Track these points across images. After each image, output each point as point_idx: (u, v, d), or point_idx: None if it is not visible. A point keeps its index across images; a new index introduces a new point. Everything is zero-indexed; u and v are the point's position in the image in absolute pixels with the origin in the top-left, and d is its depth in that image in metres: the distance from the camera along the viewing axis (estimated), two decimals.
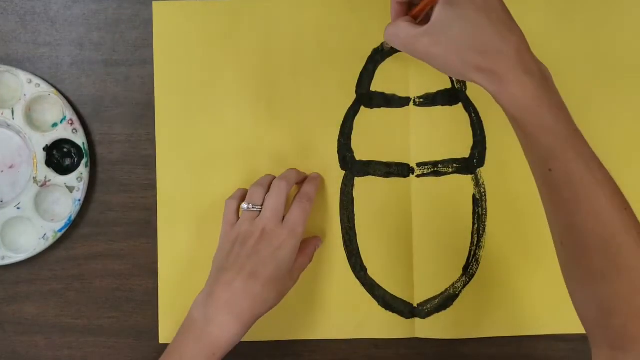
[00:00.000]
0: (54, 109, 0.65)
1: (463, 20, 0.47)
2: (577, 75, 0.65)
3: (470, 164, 0.65)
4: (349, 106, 0.65)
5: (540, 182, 0.50)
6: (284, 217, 0.59)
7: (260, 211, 0.59)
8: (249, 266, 0.56)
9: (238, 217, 0.60)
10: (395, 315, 0.65)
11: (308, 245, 0.63)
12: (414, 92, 0.65)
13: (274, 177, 0.62)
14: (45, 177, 0.64)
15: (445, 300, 0.65)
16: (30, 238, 0.64)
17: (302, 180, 0.63)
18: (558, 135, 0.47)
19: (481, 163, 0.65)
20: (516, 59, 0.47)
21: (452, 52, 0.48)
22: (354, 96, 0.65)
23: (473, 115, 0.65)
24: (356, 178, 0.65)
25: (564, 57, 0.65)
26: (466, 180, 0.65)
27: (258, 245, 0.57)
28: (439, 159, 0.65)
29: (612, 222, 0.47)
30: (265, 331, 0.65)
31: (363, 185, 0.65)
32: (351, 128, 0.65)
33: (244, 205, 0.60)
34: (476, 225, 0.65)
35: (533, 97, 0.47)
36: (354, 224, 0.65)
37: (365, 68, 0.65)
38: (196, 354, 0.54)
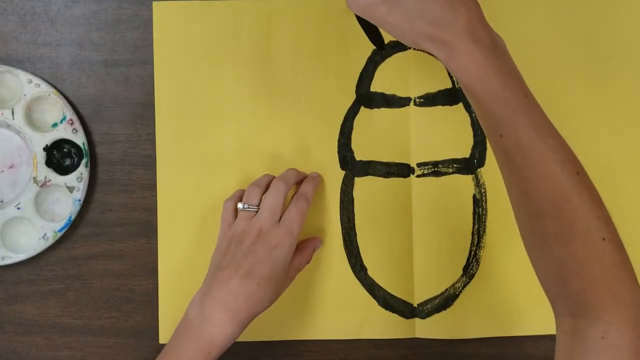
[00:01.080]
0: (54, 109, 0.65)
1: None
2: (577, 74, 0.65)
3: (471, 164, 0.65)
4: (349, 106, 0.65)
5: (494, 149, 0.50)
6: (281, 217, 0.59)
7: (256, 211, 0.59)
8: (245, 265, 0.56)
9: (236, 217, 0.61)
10: (395, 315, 0.65)
11: (306, 245, 0.63)
12: (414, 92, 0.65)
13: (272, 177, 0.62)
14: (45, 177, 0.64)
15: (445, 300, 0.65)
16: (30, 238, 0.64)
17: (301, 180, 0.63)
18: (507, 102, 0.47)
19: (481, 163, 0.65)
20: (466, 28, 0.48)
21: (406, 21, 0.49)
22: (354, 96, 0.65)
23: (473, 115, 0.65)
24: (356, 178, 0.65)
25: (564, 56, 0.65)
26: (466, 180, 0.65)
27: (254, 245, 0.57)
28: (439, 159, 0.65)
29: (564, 186, 0.47)
30: (264, 331, 0.65)
31: (363, 185, 0.65)
32: (351, 128, 0.65)
33: (240, 205, 0.60)
34: (476, 226, 0.65)
35: (481, 64, 0.47)
36: (354, 224, 0.65)
37: (365, 68, 0.65)
38: (192, 353, 0.54)
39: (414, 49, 0.65)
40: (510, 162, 0.49)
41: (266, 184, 0.61)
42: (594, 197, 0.48)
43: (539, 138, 0.47)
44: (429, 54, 0.50)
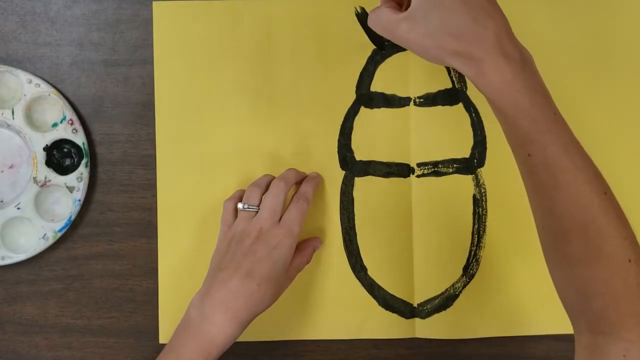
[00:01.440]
0: (54, 109, 0.65)
1: (441, 7, 0.47)
2: (576, 74, 0.65)
3: (471, 164, 0.65)
4: (349, 106, 0.65)
5: (521, 167, 0.50)
6: (281, 217, 0.59)
7: (256, 211, 0.59)
8: (245, 265, 0.56)
9: (236, 218, 0.61)
10: (395, 315, 0.65)
11: (306, 245, 0.63)
12: (414, 92, 0.65)
13: (272, 177, 0.62)
14: (45, 177, 0.64)
15: (445, 300, 0.65)
16: (31, 238, 0.64)
17: (301, 180, 0.63)
18: (535, 119, 0.47)
19: (481, 163, 0.65)
20: (493, 42, 0.47)
21: (429, 38, 0.48)
22: (354, 96, 0.65)
23: (473, 115, 0.65)
24: (356, 178, 0.65)
25: (563, 56, 0.65)
26: (466, 180, 0.65)
27: (254, 245, 0.57)
28: (439, 159, 0.65)
29: (591, 206, 0.47)
30: (265, 331, 0.65)
31: (363, 185, 0.65)
32: (351, 128, 0.65)
33: (240, 205, 0.60)
34: (476, 226, 0.65)
35: (510, 80, 0.47)
36: (354, 224, 0.65)
37: (365, 68, 0.65)
38: (192, 353, 0.54)
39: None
40: (537, 179, 0.48)
41: (266, 184, 0.61)
42: (621, 218, 0.48)
43: (567, 156, 0.47)
44: (454, 70, 0.49)
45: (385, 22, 0.50)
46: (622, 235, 0.47)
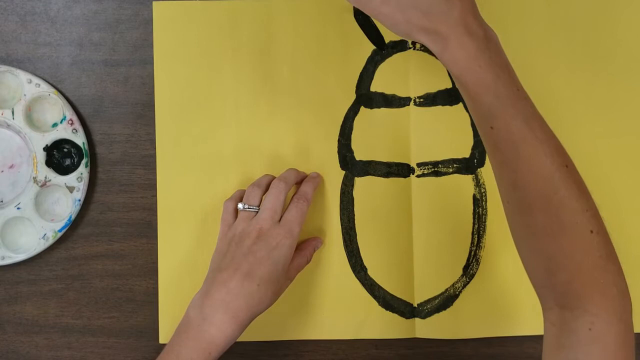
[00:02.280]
0: (54, 109, 0.65)
1: None
2: (577, 74, 0.65)
3: (471, 164, 0.65)
4: (349, 106, 0.65)
5: (485, 141, 0.51)
6: (281, 218, 0.59)
7: (256, 211, 0.59)
8: (245, 266, 0.56)
9: (236, 218, 0.61)
10: (395, 315, 0.65)
11: (306, 245, 0.63)
12: (414, 92, 0.65)
13: (273, 178, 0.62)
14: (46, 177, 0.64)
15: (445, 300, 0.65)
16: (31, 238, 0.64)
17: (301, 179, 0.63)
18: (498, 94, 0.48)
19: (481, 163, 0.65)
20: (459, 21, 0.48)
21: (400, 12, 0.49)
22: (354, 96, 0.65)
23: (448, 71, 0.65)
24: (356, 178, 0.65)
25: (564, 56, 0.65)
26: (466, 180, 0.65)
27: (254, 245, 0.57)
28: (439, 159, 0.65)
29: (552, 179, 0.47)
30: (265, 331, 0.65)
31: (363, 185, 0.65)
32: (351, 128, 0.65)
33: (240, 206, 0.60)
34: (476, 225, 0.65)
35: (473, 57, 0.48)
36: (354, 224, 0.65)
37: (365, 68, 0.65)
38: (193, 353, 0.54)
39: (411, 47, 0.65)
40: (500, 153, 0.49)
41: (266, 184, 0.61)
42: (582, 190, 0.49)
43: (529, 130, 0.48)
44: (422, 46, 0.50)
45: None
46: (583, 208, 0.48)
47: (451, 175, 0.65)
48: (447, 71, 0.63)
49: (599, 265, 0.47)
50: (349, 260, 0.65)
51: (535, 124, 0.49)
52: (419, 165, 0.65)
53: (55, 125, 0.64)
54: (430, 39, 0.49)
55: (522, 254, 0.51)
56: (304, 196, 0.61)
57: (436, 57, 0.50)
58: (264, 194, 0.61)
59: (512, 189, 0.49)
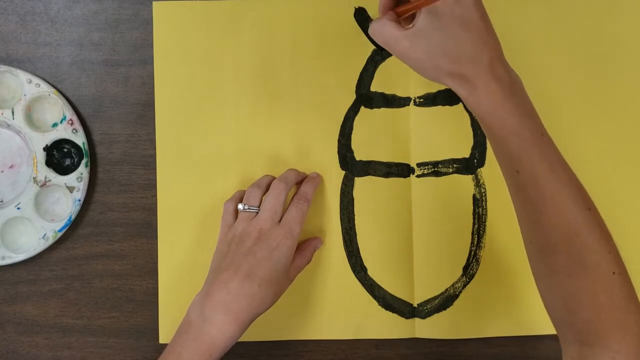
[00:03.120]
0: (54, 109, 0.65)
1: (442, 31, 0.50)
2: (577, 74, 0.65)
3: (471, 164, 0.65)
4: (349, 106, 0.65)
5: (509, 182, 0.52)
6: (281, 218, 0.59)
7: (257, 212, 0.59)
8: (246, 266, 0.56)
9: (236, 219, 0.61)
10: (395, 315, 0.65)
11: (307, 246, 0.63)
12: (414, 92, 0.65)
13: (273, 178, 0.62)
14: (45, 177, 0.64)
15: (445, 300, 0.65)
16: (31, 238, 0.64)
17: (301, 180, 0.63)
18: (523, 139, 0.49)
19: (481, 163, 0.65)
20: (487, 66, 0.49)
21: (428, 57, 0.51)
22: (354, 96, 0.65)
23: (473, 115, 0.65)
24: (356, 178, 0.65)
25: (564, 56, 0.65)
26: (466, 180, 0.65)
27: (254, 246, 0.57)
28: (439, 159, 0.65)
29: (575, 221, 0.49)
30: (265, 331, 0.65)
31: (363, 185, 0.65)
32: (351, 128, 0.65)
33: (241, 206, 0.60)
34: (476, 225, 0.65)
35: (500, 102, 0.49)
36: (354, 224, 0.65)
37: (365, 68, 0.65)
38: (194, 354, 0.54)
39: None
40: (525, 195, 0.50)
41: (266, 185, 0.61)
42: (604, 233, 0.50)
43: (553, 175, 0.49)
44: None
45: (388, 36, 0.52)
46: (605, 250, 0.49)
47: (451, 175, 0.65)
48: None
49: (621, 306, 0.48)
50: (349, 260, 0.65)
51: (559, 168, 0.50)
52: (419, 165, 0.65)
53: (55, 125, 0.64)
54: (457, 83, 0.50)
55: (542, 291, 0.52)
56: (304, 196, 0.61)
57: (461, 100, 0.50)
58: (264, 195, 0.61)
59: (536, 230, 0.50)
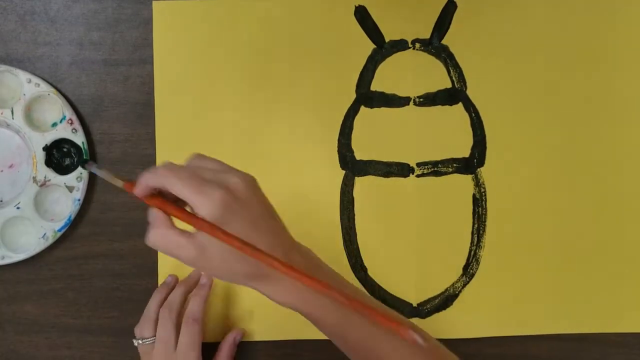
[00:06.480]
0: (54, 109, 0.65)
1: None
2: (577, 74, 0.66)
3: (471, 164, 0.65)
4: (349, 106, 0.65)
5: (344, 349, 0.52)
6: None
7: (153, 341, 0.60)
8: None
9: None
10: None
11: (221, 348, 0.63)
12: (414, 91, 0.65)
13: (161, 302, 0.62)
14: (45, 177, 0.64)
15: (445, 300, 0.65)
16: (30, 238, 0.64)
17: (192, 288, 0.63)
18: (339, 312, 0.49)
19: (481, 163, 0.65)
20: (284, 260, 0.46)
21: (222, 265, 0.46)
22: (354, 96, 0.65)
23: (473, 114, 0.65)
24: (356, 178, 0.65)
25: (564, 56, 0.65)
26: (466, 180, 0.65)
27: None
28: (439, 158, 0.65)
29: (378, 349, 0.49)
30: (265, 331, 0.65)
31: (363, 185, 0.65)
32: (351, 128, 0.65)
33: (135, 342, 0.61)
34: (476, 225, 0.65)
35: (305, 291, 0.48)
36: (354, 224, 0.65)
37: (365, 67, 0.65)
38: None
39: (411, 47, 0.65)
40: (363, 353, 0.51)
41: (155, 313, 0.61)
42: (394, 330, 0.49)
43: (377, 326, 0.49)
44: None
45: (172, 245, 0.46)
46: (394, 347, 0.49)
47: (451, 175, 0.65)
48: (449, 73, 0.63)
49: None
50: (349, 260, 0.65)
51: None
52: (418, 165, 0.65)
53: (54, 124, 0.64)
54: (258, 284, 0.47)
55: None
56: (192, 317, 0.60)
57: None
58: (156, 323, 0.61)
59: None
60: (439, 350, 0.52)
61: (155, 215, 0.47)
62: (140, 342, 0.60)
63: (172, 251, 0.46)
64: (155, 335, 0.60)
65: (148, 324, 0.61)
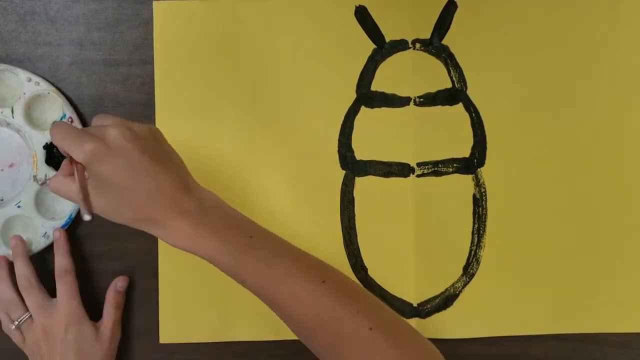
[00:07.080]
0: (54, 107, 0.65)
1: (111, 188, 0.49)
2: (576, 73, 0.66)
3: (471, 164, 0.65)
4: (349, 106, 0.65)
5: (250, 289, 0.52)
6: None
7: (30, 317, 0.61)
8: None
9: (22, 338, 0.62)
10: None
11: (106, 297, 0.64)
12: (414, 91, 0.65)
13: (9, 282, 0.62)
14: (46, 176, 0.64)
15: (445, 300, 0.65)
16: (31, 237, 0.64)
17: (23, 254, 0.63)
18: (231, 253, 0.50)
19: (481, 163, 0.65)
20: (170, 205, 0.50)
21: (113, 210, 0.50)
22: (354, 96, 0.65)
23: (473, 114, 0.65)
24: (356, 178, 0.65)
25: (564, 56, 0.66)
26: (466, 180, 0.65)
27: (50, 349, 0.60)
28: (439, 158, 0.65)
29: (316, 301, 0.49)
30: (265, 331, 0.65)
31: (363, 185, 0.65)
32: (351, 128, 0.65)
33: (12, 325, 0.61)
34: (476, 225, 0.65)
35: (193, 235, 0.49)
36: (354, 224, 0.65)
37: (365, 67, 0.65)
38: None
39: (411, 47, 0.65)
40: (264, 299, 0.51)
41: (9, 293, 0.62)
42: (349, 295, 0.50)
43: (275, 270, 0.50)
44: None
45: (68, 192, 0.51)
46: (353, 310, 0.49)
47: (451, 175, 0.65)
48: (449, 73, 0.63)
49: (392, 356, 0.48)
50: (349, 260, 0.65)
51: (278, 259, 0.51)
52: (419, 165, 0.65)
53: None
54: (149, 227, 0.50)
55: None
56: (63, 269, 0.62)
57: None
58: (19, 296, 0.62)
59: (293, 325, 0.51)
60: (422, 349, 0.52)
61: (62, 165, 0.52)
62: (16, 323, 0.61)
63: (66, 195, 0.51)
64: (25, 311, 0.61)
65: (14, 307, 0.61)
